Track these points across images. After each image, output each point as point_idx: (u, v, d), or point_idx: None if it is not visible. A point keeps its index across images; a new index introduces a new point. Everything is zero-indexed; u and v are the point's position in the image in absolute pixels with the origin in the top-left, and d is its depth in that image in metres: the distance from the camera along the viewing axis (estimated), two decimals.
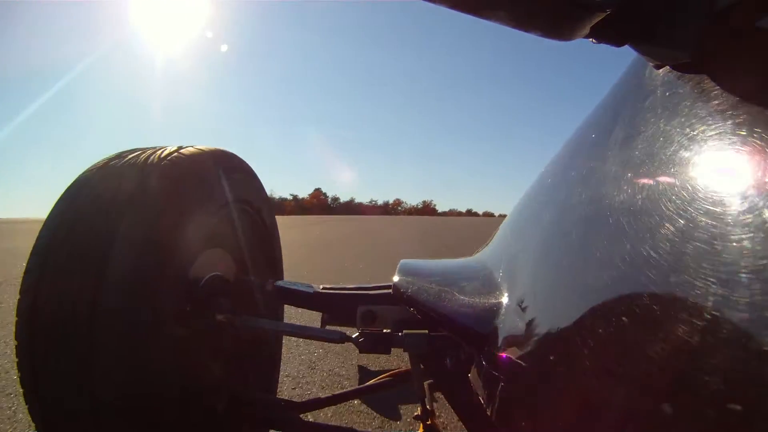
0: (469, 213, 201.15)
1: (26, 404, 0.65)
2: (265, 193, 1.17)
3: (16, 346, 0.64)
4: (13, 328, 0.65)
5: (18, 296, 0.65)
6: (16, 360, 0.65)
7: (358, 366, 2.01)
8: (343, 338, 0.94)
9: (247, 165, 1.06)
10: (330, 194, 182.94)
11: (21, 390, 0.65)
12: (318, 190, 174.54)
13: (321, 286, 1.21)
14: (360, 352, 0.94)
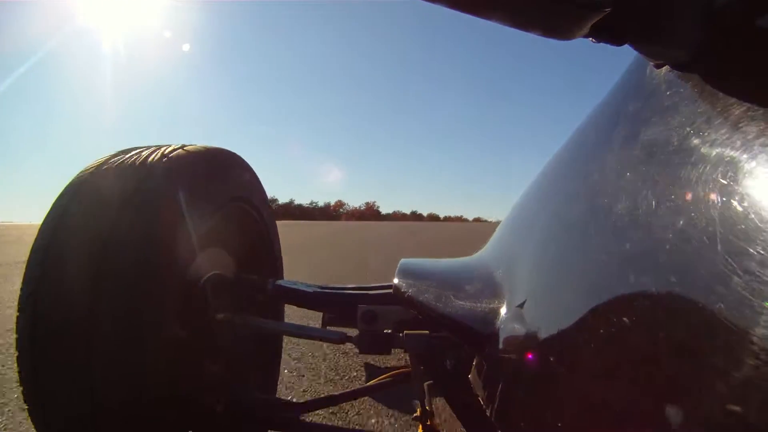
0: (414, 215, 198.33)
1: (27, 405, 0.65)
2: (264, 192, 1.17)
3: (16, 346, 0.64)
4: (14, 328, 0.65)
5: (19, 294, 0.65)
6: (17, 359, 0.65)
7: (365, 364, 2.01)
8: (344, 339, 0.94)
9: (246, 164, 1.06)
10: (268, 195, 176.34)
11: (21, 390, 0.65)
12: None
13: (321, 286, 1.21)
14: (360, 353, 0.94)
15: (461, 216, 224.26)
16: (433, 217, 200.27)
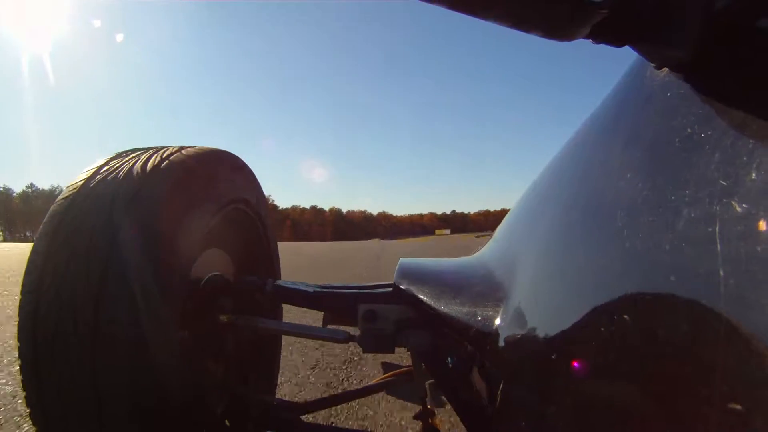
0: (314, 210, 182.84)
1: (28, 408, 0.65)
2: (262, 192, 1.17)
3: (18, 349, 0.64)
4: (15, 331, 0.64)
5: (20, 298, 0.65)
6: (19, 363, 0.65)
7: (382, 363, 2.01)
8: (347, 338, 0.94)
9: (245, 165, 1.06)
10: None
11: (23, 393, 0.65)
12: None
13: (321, 285, 1.20)
14: (364, 352, 0.94)
15: (365, 210, 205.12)
16: (334, 212, 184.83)
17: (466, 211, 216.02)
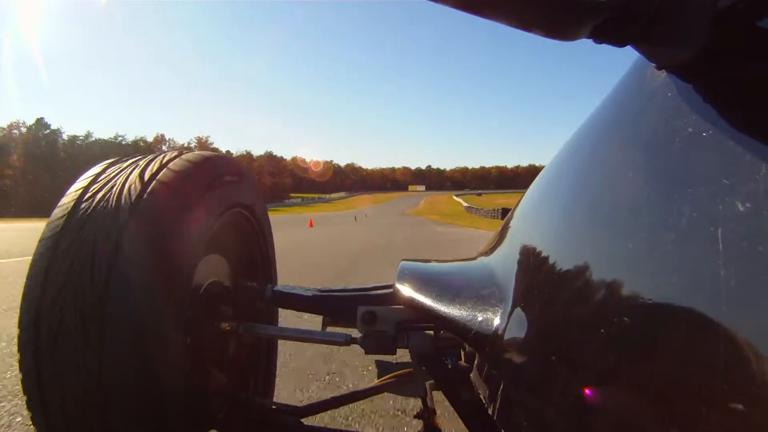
0: (270, 157, 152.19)
1: (30, 412, 0.65)
2: (260, 196, 1.17)
3: (19, 354, 0.64)
4: (16, 339, 0.64)
5: (21, 304, 0.64)
6: (20, 369, 0.64)
7: (376, 361, 1.99)
8: (348, 340, 0.94)
9: (244, 169, 1.06)
10: (54, 125, 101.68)
11: (24, 398, 0.64)
12: (41, 121, 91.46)
13: (319, 289, 1.20)
14: (366, 354, 0.94)
15: (331, 161, 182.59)
16: (271, 157, 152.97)
17: (442, 167, 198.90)
